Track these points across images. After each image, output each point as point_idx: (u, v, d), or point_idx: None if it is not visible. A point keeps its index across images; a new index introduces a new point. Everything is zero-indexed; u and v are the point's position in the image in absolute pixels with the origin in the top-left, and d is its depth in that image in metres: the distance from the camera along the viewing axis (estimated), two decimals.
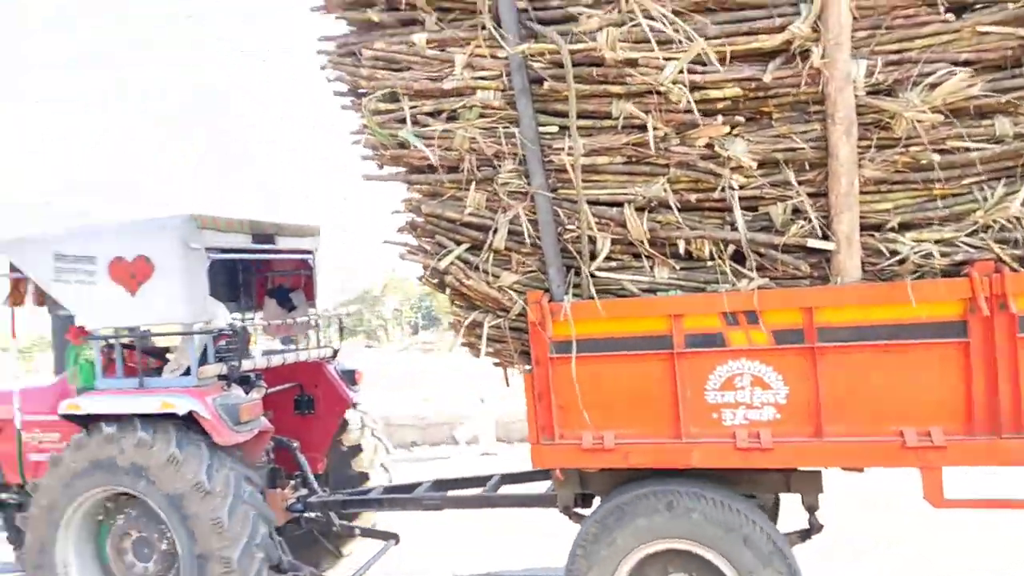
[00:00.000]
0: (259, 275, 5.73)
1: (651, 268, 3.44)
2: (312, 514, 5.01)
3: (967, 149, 3.09)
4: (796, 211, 3.28)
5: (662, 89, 3.21)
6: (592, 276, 3.44)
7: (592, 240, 3.45)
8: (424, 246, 3.69)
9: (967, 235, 3.10)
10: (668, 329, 3.35)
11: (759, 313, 3.26)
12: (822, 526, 3.70)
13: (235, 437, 4.15)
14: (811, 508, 3.65)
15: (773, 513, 4.21)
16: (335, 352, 5.55)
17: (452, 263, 3.58)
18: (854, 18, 3.11)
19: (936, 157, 3.08)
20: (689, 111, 3.23)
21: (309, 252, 5.43)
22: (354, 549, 5.47)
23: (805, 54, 3.12)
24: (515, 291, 3.55)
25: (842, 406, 3.20)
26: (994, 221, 3.06)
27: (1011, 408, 3.00)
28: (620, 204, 3.42)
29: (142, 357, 4.58)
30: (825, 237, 3.21)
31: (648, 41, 3.19)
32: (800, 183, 3.25)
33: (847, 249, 3.16)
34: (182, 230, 4.21)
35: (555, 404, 3.49)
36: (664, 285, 3.42)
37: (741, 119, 3.28)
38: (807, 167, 3.26)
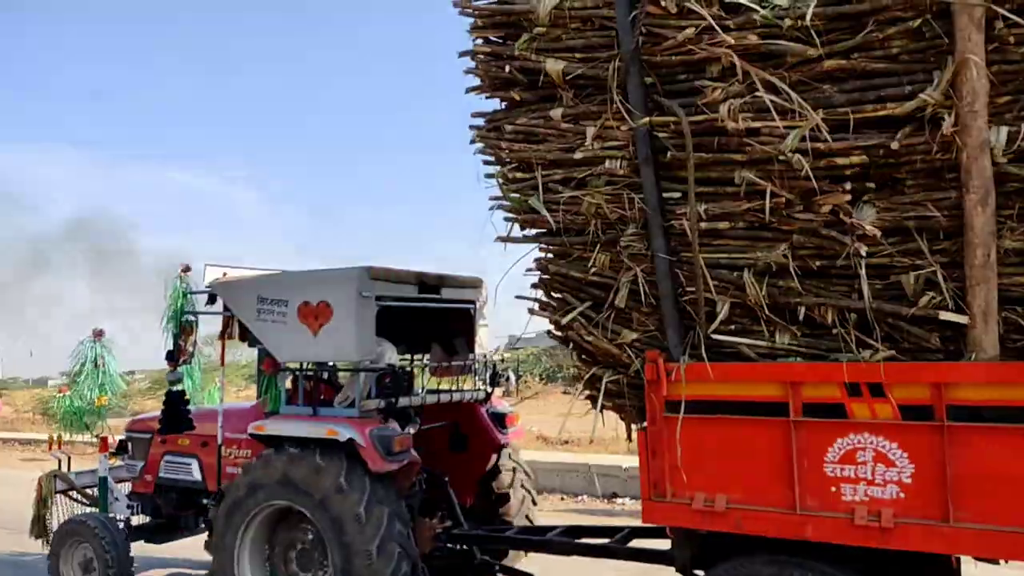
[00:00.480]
0: (426, 322, 6.29)
1: (771, 334, 3.43)
2: (456, 546, 5.36)
3: None
4: (929, 282, 3.13)
5: (783, 157, 3.25)
6: (708, 339, 3.50)
7: (711, 303, 3.52)
8: (551, 303, 3.95)
9: None
10: (785, 396, 3.31)
11: (885, 386, 3.13)
12: None
13: (387, 466, 4.62)
14: None
15: None
16: (488, 395, 5.93)
17: (575, 319, 3.81)
18: (993, 83, 2.97)
19: None
20: (809, 179, 3.23)
21: (471, 302, 5.90)
22: None
23: (937, 121, 3.02)
24: (634, 349, 3.69)
25: (974, 490, 2.96)
26: None
27: None
28: (740, 268, 3.47)
29: (320, 389, 5.25)
30: (959, 310, 3.03)
31: (770, 111, 3.27)
32: (933, 252, 3.11)
33: (983, 324, 2.97)
34: (357, 280, 4.83)
35: (668, 463, 3.56)
36: (783, 351, 3.40)
37: (872, 185, 3.22)
38: (941, 236, 3.11)
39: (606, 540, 4.69)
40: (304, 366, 5.24)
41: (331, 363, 5.34)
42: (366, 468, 4.56)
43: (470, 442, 5.83)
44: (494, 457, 5.80)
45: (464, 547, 5.36)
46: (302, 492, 4.64)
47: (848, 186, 3.23)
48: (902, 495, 3.10)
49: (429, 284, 5.44)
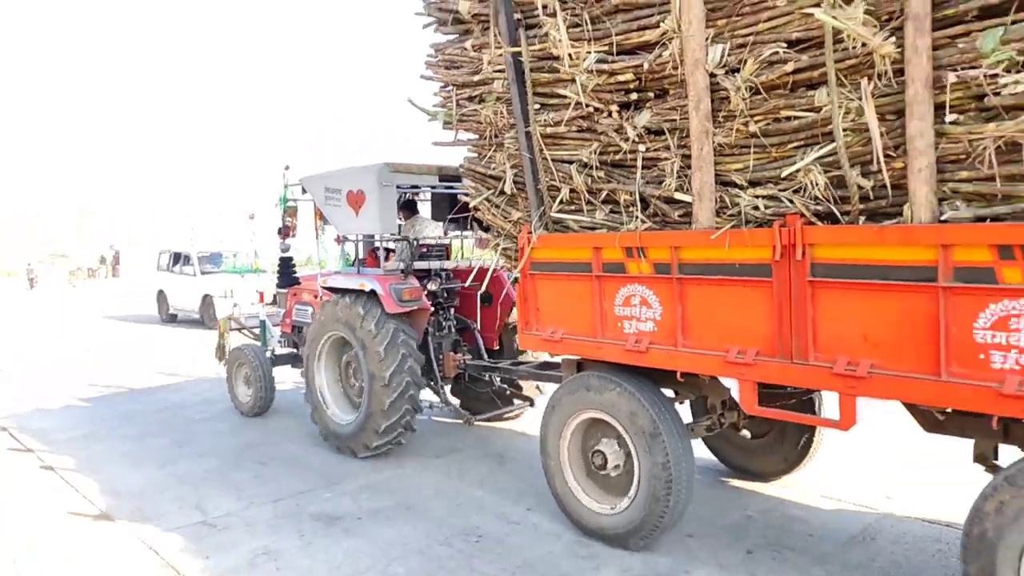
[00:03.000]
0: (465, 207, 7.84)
1: (590, 212, 4.58)
2: (480, 375, 7.11)
3: (792, 118, 3.56)
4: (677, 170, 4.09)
5: (582, 77, 4.29)
6: (552, 217, 4.73)
7: (558, 190, 4.72)
8: (470, 190, 5.35)
9: (794, 192, 3.61)
10: (591, 258, 4.51)
11: (645, 249, 4.22)
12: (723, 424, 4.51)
13: (398, 308, 6.42)
14: (712, 408, 4.50)
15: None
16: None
17: (481, 202, 5.19)
18: (711, 10, 3.76)
19: (759, 127, 3.64)
20: (604, 91, 4.25)
21: None
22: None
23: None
24: (518, 224, 5.02)
25: (695, 325, 4.04)
26: (809, 181, 3.52)
27: (800, 340, 3.55)
28: (571, 163, 4.61)
29: (368, 254, 7.14)
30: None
31: (587, 40, 4.29)
32: (679, 148, 4.05)
33: (699, 202, 3.93)
34: (378, 173, 6.51)
35: (531, 306, 4.94)
36: (598, 224, 4.55)
37: (651, 95, 4.18)
38: (685, 134, 4.03)
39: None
40: (357, 237, 7.13)
41: (377, 235, 7.16)
42: (383, 309, 6.41)
43: (495, 299, 7.46)
44: (513, 311, 7.38)
45: (485, 376, 7.12)
46: (348, 326, 6.64)
47: (634, 96, 4.21)
48: (655, 328, 4.24)
49: (448, 175, 6.97)
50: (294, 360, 8.67)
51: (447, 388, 7.10)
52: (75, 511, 5.50)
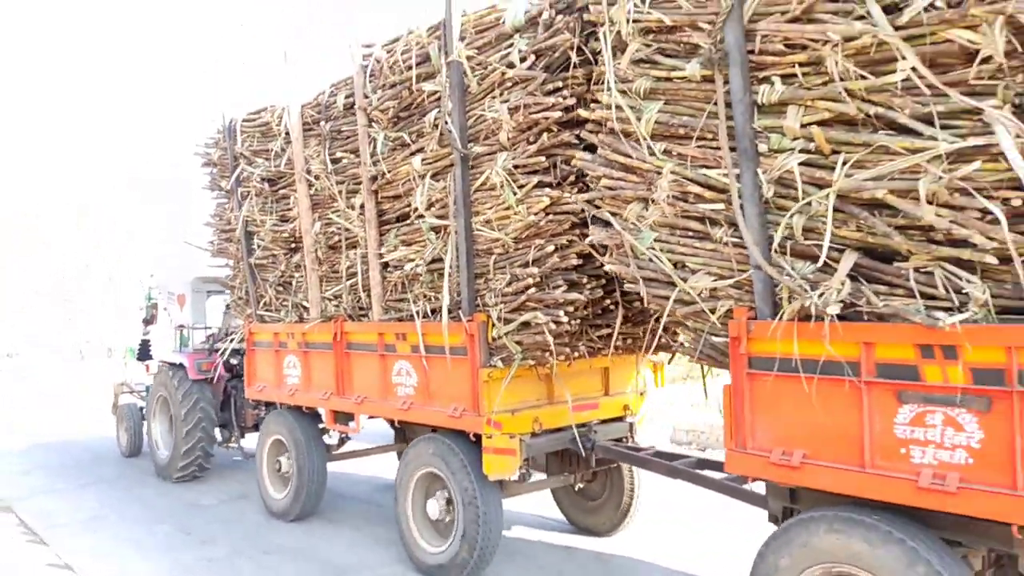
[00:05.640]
0: None
1: (278, 311, 7.60)
2: None
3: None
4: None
5: (268, 236, 7.40)
6: (258, 313, 7.75)
7: (261, 296, 7.75)
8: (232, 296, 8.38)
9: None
10: (281, 340, 7.50)
11: (293, 334, 7.21)
12: None
13: (197, 375, 9.27)
14: None
15: None
16: None
17: (233, 303, 8.21)
18: (315, 205, 6.91)
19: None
20: (279, 241, 7.36)
21: None
22: None
23: None
24: None
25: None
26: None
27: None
28: (268, 282, 7.66)
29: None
30: None
31: (268, 213, 7.42)
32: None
33: (312, 306, 6.97)
34: (193, 282, 9.52)
35: (251, 370, 7.90)
36: (280, 319, 7.55)
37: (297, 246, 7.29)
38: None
39: None
40: (183, 325, 10.05)
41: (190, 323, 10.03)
42: (187, 375, 9.27)
43: None
44: None
45: None
46: (167, 388, 9.46)
47: (293, 245, 7.30)
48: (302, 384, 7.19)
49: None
50: None
51: (246, 435, 9.80)
52: None
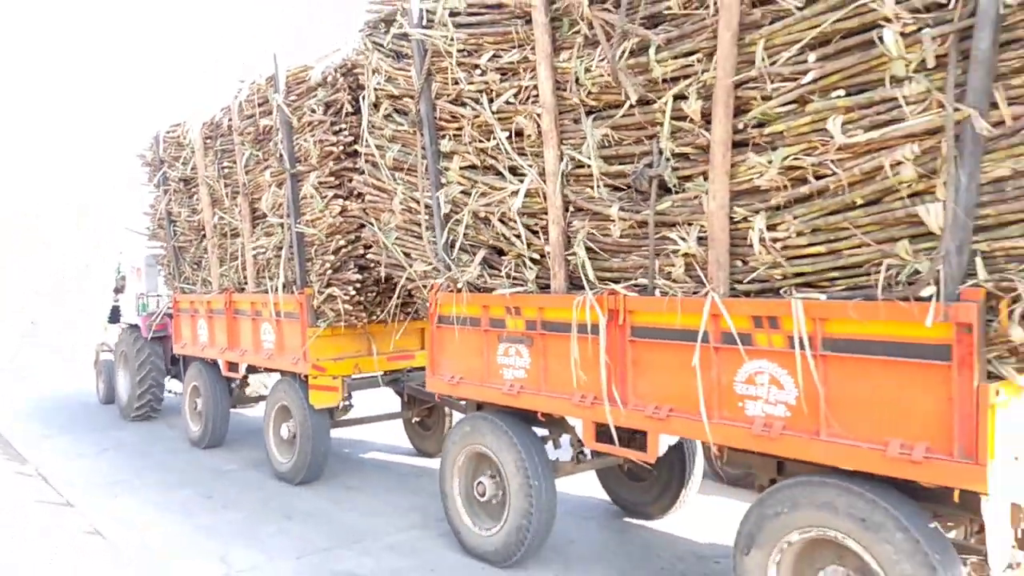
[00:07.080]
0: None
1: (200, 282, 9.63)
2: None
3: None
4: None
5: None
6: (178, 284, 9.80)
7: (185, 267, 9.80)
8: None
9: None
10: (203, 308, 9.57)
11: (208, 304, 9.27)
12: None
13: (146, 335, 11.36)
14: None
15: None
16: None
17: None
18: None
19: None
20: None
21: None
22: None
23: None
24: None
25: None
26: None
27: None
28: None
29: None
30: None
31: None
32: None
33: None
34: (146, 259, 11.60)
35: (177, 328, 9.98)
36: (196, 290, 9.60)
37: None
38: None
39: None
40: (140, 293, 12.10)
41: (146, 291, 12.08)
42: (141, 335, 11.36)
43: None
44: None
45: None
46: (126, 344, 11.57)
47: None
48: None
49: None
50: None
51: None
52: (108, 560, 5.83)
